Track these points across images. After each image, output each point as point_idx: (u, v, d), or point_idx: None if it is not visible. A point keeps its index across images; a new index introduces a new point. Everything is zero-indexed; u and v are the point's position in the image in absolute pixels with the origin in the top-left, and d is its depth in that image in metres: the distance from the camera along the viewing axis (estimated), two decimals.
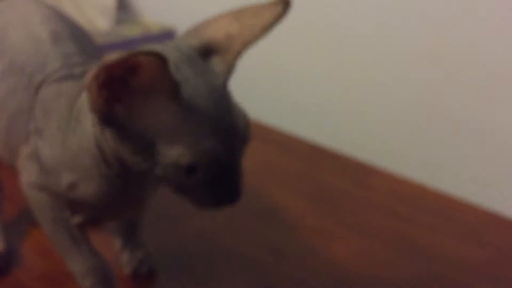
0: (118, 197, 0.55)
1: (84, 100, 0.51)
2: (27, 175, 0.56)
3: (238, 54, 0.47)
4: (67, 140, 0.52)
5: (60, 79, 0.54)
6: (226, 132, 0.46)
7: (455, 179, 0.91)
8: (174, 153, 0.45)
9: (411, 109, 0.95)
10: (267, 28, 0.47)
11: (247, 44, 0.47)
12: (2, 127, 0.57)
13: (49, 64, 0.55)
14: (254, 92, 1.12)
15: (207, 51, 0.48)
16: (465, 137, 0.90)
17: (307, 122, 1.07)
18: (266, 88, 1.12)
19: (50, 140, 0.53)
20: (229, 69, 0.47)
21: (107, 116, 0.45)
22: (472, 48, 0.86)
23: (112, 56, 0.41)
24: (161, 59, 0.41)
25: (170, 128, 0.45)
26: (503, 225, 0.82)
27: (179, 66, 0.46)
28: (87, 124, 0.51)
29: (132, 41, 1.10)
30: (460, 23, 0.86)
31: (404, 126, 0.96)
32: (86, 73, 0.53)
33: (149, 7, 1.32)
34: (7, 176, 0.74)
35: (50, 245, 0.69)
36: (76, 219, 0.57)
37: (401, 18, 0.92)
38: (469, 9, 0.85)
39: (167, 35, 1.17)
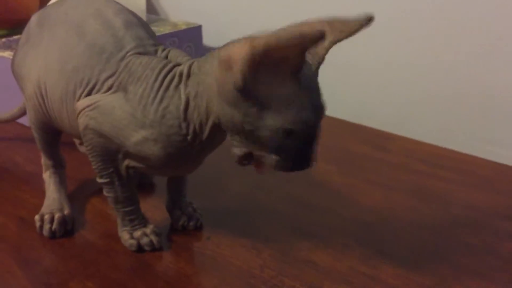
0: (181, 157, 0.65)
1: (175, 82, 0.62)
2: (93, 121, 0.66)
3: (327, 49, 0.59)
4: (150, 105, 0.63)
5: (140, 53, 0.66)
6: (318, 108, 0.57)
7: (467, 140, 0.99)
8: (281, 119, 0.56)
9: (423, 80, 1.03)
10: (351, 34, 0.57)
11: (334, 42, 0.58)
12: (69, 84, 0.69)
13: (126, 45, 0.67)
14: None
15: None
16: (475, 101, 0.97)
17: (330, 102, 1.15)
18: None
19: (132, 101, 0.63)
20: (320, 61, 0.59)
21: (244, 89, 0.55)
22: (476, 15, 0.94)
23: (270, 38, 0.51)
24: (322, 34, 0.50)
25: (283, 98, 0.56)
26: None
27: None
28: (177, 98, 0.62)
29: (163, 36, 1.20)
30: None
31: (417, 95, 1.04)
32: (171, 51, 0.67)
33: (175, 9, 1.43)
34: (66, 156, 0.85)
35: (107, 209, 0.79)
36: (127, 162, 0.68)
37: None
38: None
39: (195, 30, 1.26)
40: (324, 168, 0.92)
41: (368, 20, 0.56)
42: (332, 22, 0.58)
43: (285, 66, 0.54)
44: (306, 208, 0.82)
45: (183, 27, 1.26)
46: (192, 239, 0.75)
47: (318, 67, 0.59)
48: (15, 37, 1.19)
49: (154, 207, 0.81)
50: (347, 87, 1.13)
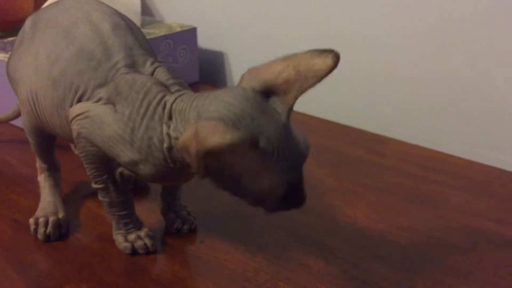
0: (170, 178, 0.65)
1: (159, 113, 0.62)
2: (85, 131, 0.66)
3: (296, 99, 0.57)
4: (137, 129, 0.62)
5: (128, 67, 0.66)
6: (295, 161, 0.57)
7: (461, 144, 1.00)
8: (257, 187, 0.56)
9: (418, 84, 1.03)
10: (320, 79, 0.56)
11: (302, 91, 0.56)
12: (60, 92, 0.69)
13: (114, 55, 0.66)
14: None
15: (266, 92, 0.58)
16: (469, 105, 0.98)
17: (324, 104, 1.16)
18: None
19: (121, 121, 0.63)
20: (289, 109, 0.57)
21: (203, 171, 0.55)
22: (473, 18, 0.94)
23: (213, 138, 0.50)
24: (253, 141, 0.52)
25: (253, 170, 0.56)
26: (509, 178, 0.90)
27: (254, 118, 0.56)
28: (160, 132, 0.61)
29: (158, 39, 1.20)
30: None
31: (412, 98, 1.05)
32: (152, 71, 0.66)
33: (170, 11, 1.43)
34: (61, 159, 0.85)
35: (102, 212, 0.80)
36: (121, 169, 0.68)
37: None
38: None
39: (190, 32, 1.27)
40: (318, 171, 0.93)
41: (335, 60, 0.55)
42: (297, 66, 0.56)
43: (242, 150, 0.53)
44: (300, 211, 0.82)
45: (178, 29, 1.26)
46: (186, 242, 0.75)
47: (288, 115, 0.57)
48: (10, 39, 1.19)
49: (149, 210, 0.82)
50: (341, 89, 1.13)
